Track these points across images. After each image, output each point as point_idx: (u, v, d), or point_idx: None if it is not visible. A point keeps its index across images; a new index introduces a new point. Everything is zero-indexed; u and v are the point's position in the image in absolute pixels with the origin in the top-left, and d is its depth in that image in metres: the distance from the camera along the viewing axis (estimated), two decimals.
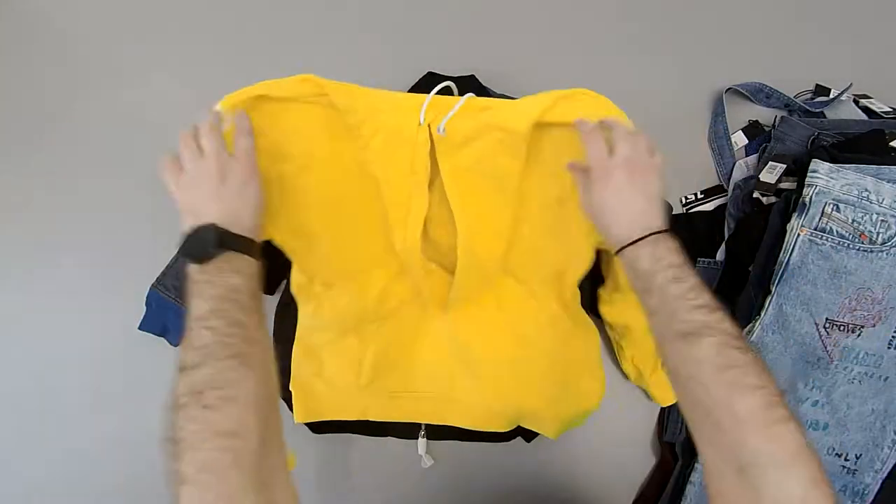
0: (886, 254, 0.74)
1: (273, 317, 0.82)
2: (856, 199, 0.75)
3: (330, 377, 0.77)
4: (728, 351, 0.44)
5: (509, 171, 0.65)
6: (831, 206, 0.75)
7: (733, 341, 0.44)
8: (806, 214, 0.75)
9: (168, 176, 0.55)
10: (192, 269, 0.47)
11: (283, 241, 0.69)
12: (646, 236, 0.50)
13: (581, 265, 0.72)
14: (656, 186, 0.54)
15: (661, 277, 0.49)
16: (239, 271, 0.48)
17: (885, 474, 0.76)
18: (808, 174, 0.76)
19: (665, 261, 0.49)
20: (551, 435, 0.78)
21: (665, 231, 0.51)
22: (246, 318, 0.46)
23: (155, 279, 0.84)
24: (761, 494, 0.38)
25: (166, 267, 0.84)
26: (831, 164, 0.76)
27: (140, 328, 0.83)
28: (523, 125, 0.61)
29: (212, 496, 0.40)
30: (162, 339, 0.84)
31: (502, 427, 0.78)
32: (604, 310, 0.81)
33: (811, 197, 0.75)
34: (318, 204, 0.68)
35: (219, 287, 0.46)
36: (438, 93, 0.64)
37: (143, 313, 0.83)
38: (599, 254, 0.74)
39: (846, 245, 0.75)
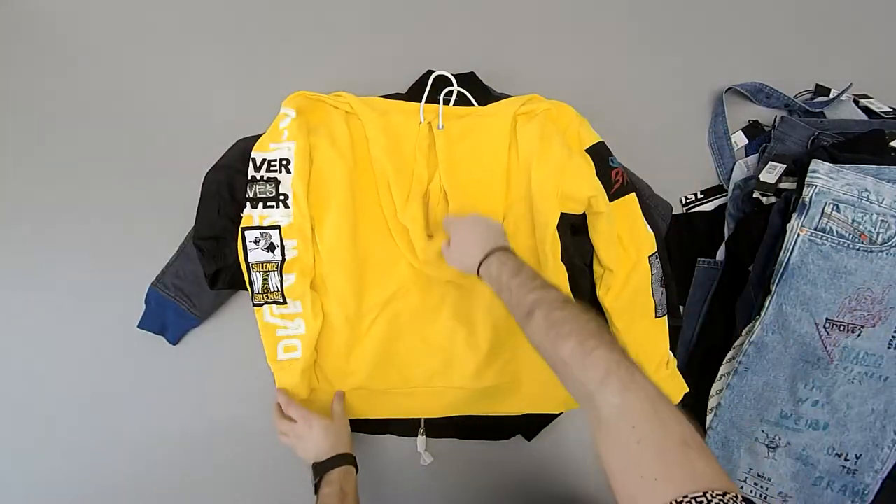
0: (886, 254, 0.74)
1: None
2: (856, 199, 0.75)
3: (329, 375, 0.77)
4: (551, 314, 0.54)
5: (497, 158, 0.80)
6: (831, 206, 0.75)
7: (556, 305, 0.55)
8: (806, 214, 0.75)
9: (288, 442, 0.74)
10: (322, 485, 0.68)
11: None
12: (486, 255, 0.66)
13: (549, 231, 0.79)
14: (492, 222, 0.72)
15: (505, 277, 0.62)
16: (346, 474, 0.69)
17: (885, 474, 0.76)
18: (808, 174, 0.76)
19: (506, 265, 0.63)
20: (553, 409, 0.79)
21: (498, 248, 0.66)
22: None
23: (154, 278, 0.84)
24: (600, 415, 0.46)
25: (166, 266, 0.84)
26: (831, 164, 0.76)
27: (139, 326, 0.83)
28: (509, 113, 0.81)
29: None
30: (161, 337, 0.84)
31: (505, 409, 0.78)
32: (600, 293, 0.81)
33: (811, 197, 0.75)
34: (338, 183, 0.78)
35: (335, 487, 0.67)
36: (437, 96, 0.82)
37: (143, 311, 0.83)
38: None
39: (846, 245, 0.75)
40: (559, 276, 0.78)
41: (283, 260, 0.76)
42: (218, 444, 0.83)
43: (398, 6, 0.89)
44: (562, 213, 0.79)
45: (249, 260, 0.75)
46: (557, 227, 0.78)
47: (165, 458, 0.84)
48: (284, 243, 0.76)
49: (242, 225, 0.76)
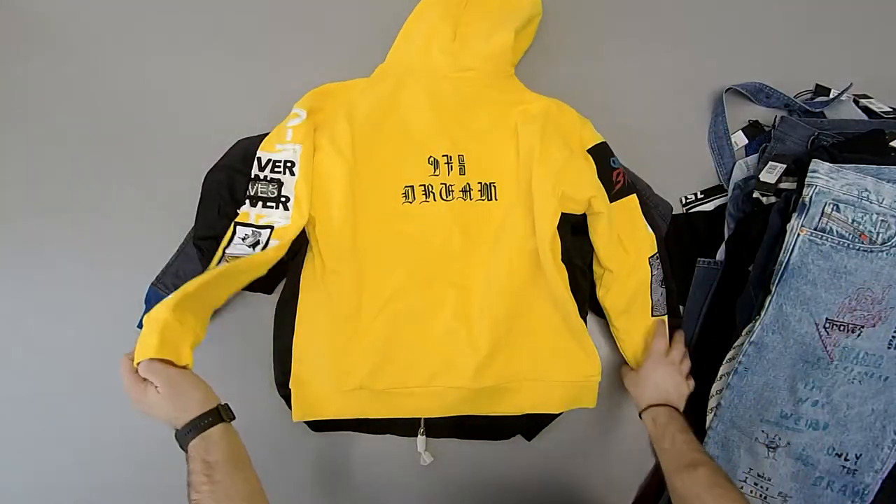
0: (886, 254, 0.74)
1: (273, 316, 0.82)
2: (856, 199, 0.75)
3: (328, 375, 0.77)
4: (717, 476, 0.64)
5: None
6: (831, 206, 0.75)
7: (720, 472, 0.65)
8: (806, 214, 0.75)
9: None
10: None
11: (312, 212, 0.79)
12: (664, 404, 0.75)
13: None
14: (683, 388, 0.77)
15: (672, 428, 0.71)
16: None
17: (885, 474, 0.76)
18: (808, 174, 0.76)
19: (675, 420, 0.72)
20: (553, 409, 0.79)
21: (673, 406, 0.75)
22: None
23: (154, 277, 0.84)
24: None
25: (165, 265, 0.84)
26: (831, 164, 0.76)
27: (139, 326, 0.83)
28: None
29: None
30: None
31: (505, 409, 0.78)
32: (599, 293, 0.82)
33: (811, 197, 0.75)
34: (338, 183, 0.79)
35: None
36: None
37: (143, 311, 0.83)
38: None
39: (846, 245, 0.75)
40: (559, 276, 0.78)
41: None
42: None
43: (398, 6, 0.89)
44: (562, 213, 0.79)
45: (228, 251, 0.76)
46: (558, 227, 0.78)
47: (165, 458, 0.83)
48: (270, 243, 0.76)
49: (237, 220, 0.77)
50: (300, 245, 0.79)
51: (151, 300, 0.83)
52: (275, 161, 0.78)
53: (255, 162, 0.78)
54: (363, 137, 0.82)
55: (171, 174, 0.89)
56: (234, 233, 0.76)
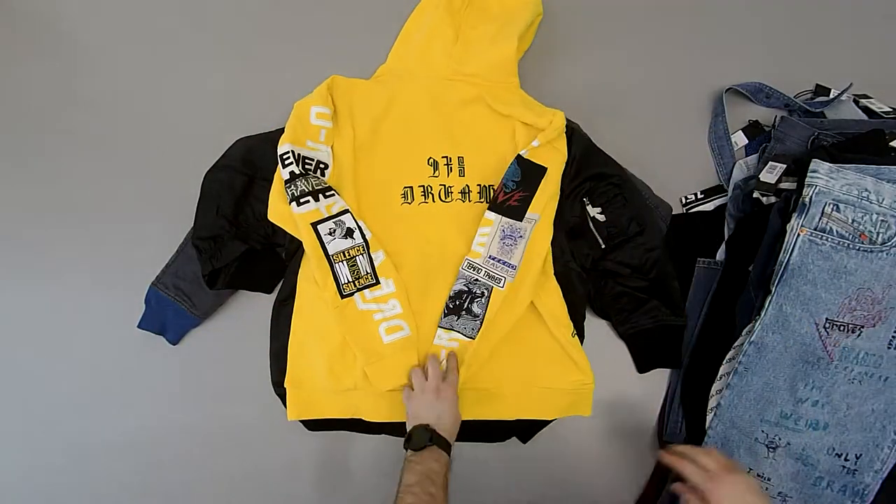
0: (886, 254, 0.74)
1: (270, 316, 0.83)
2: (856, 199, 0.75)
3: (323, 375, 0.77)
4: None
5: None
6: (831, 206, 0.75)
7: None
8: (806, 214, 0.75)
9: (405, 394, 0.74)
10: (410, 453, 0.67)
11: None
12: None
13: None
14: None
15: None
16: (437, 460, 0.66)
17: (885, 474, 0.76)
18: (808, 174, 0.76)
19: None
20: (545, 416, 0.79)
21: None
22: (437, 493, 0.63)
23: (154, 278, 0.84)
24: None
25: (165, 266, 0.85)
26: (831, 164, 0.76)
27: (139, 326, 0.83)
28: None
29: None
30: (160, 336, 0.84)
31: (494, 413, 0.79)
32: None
33: (811, 197, 0.75)
34: (346, 179, 0.81)
35: (423, 467, 0.65)
36: None
37: (143, 311, 0.83)
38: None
39: (846, 245, 0.75)
40: (553, 290, 0.80)
41: (367, 240, 0.76)
42: (218, 443, 0.83)
43: (398, 7, 0.89)
44: (557, 219, 0.80)
45: (330, 252, 0.75)
46: (555, 230, 0.79)
47: (165, 457, 0.84)
48: (360, 224, 0.77)
49: (310, 221, 0.75)
50: (298, 245, 0.79)
51: (151, 300, 0.83)
52: (306, 158, 0.78)
53: (290, 155, 0.76)
54: (364, 138, 0.82)
55: (171, 174, 0.89)
56: (317, 234, 0.75)
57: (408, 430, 0.70)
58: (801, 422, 0.77)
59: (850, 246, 0.75)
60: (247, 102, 0.92)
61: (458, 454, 0.82)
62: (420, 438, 0.67)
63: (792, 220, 0.76)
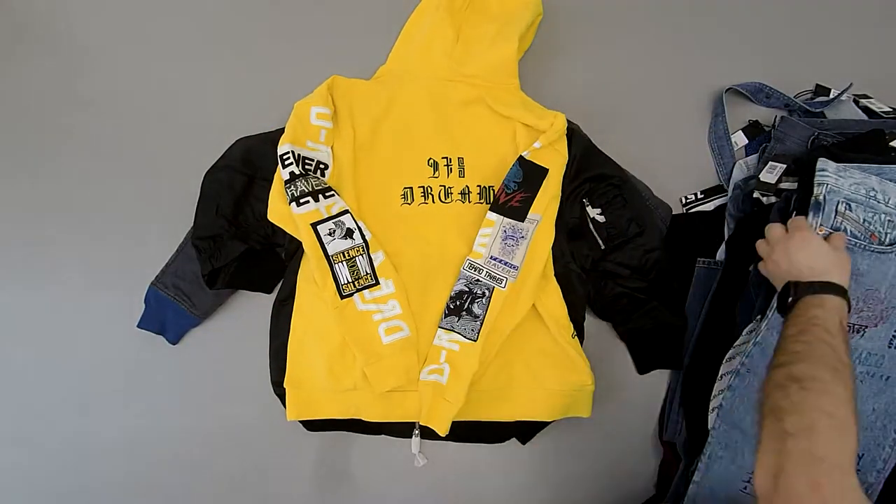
0: (894, 254, 0.73)
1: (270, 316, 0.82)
2: (864, 199, 0.73)
3: (323, 375, 0.77)
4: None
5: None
6: (844, 204, 0.73)
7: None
8: (822, 213, 0.72)
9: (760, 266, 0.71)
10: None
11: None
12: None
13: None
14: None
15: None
16: (819, 305, 0.60)
17: (887, 473, 0.75)
18: (818, 173, 0.73)
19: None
20: (546, 417, 0.79)
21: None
22: (832, 340, 0.56)
23: (154, 277, 0.84)
24: None
25: (165, 265, 0.85)
26: (837, 164, 0.75)
27: (139, 326, 0.83)
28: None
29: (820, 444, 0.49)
30: (160, 336, 0.84)
31: (498, 414, 0.78)
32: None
33: (824, 195, 0.73)
34: (345, 180, 0.81)
35: (803, 317, 0.59)
36: None
37: (142, 311, 0.83)
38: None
39: (861, 246, 0.72)
40: (553, 291, 0.79)
41: (367, 241, 0.76)
42: (218, 443, 0.83)
43: (398, 7, 0.89)
44: (558, 220, 0.80)
45: (330, 252, 0.75)
46: (556, 232, 0.80)
47: (165, 457, 0.83)
48: (359, 225, 0.77)
49: (310, 221, 0.75)
50: (298, 245, 0.79)
51: (151, 300, 0.83)
52: (306, 158, 0.78)
53: (290, 155, 0.76)
54: (364, 138, 0.82)
55: (171, 174, 0.89)
56: (317, 234, 0.75)
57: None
58: None
59: (865, 247, 0.72)
60: (247, 102, 0.92)
61: (458, 454, 0.82)
62: (782, 297, 0.63)
63: (809, 219, 0.73)
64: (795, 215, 0.75)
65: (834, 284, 0.62)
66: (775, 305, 0.69)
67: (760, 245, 0.72)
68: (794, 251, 0.65)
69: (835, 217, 0.72)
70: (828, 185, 0.73)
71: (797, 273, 0.64)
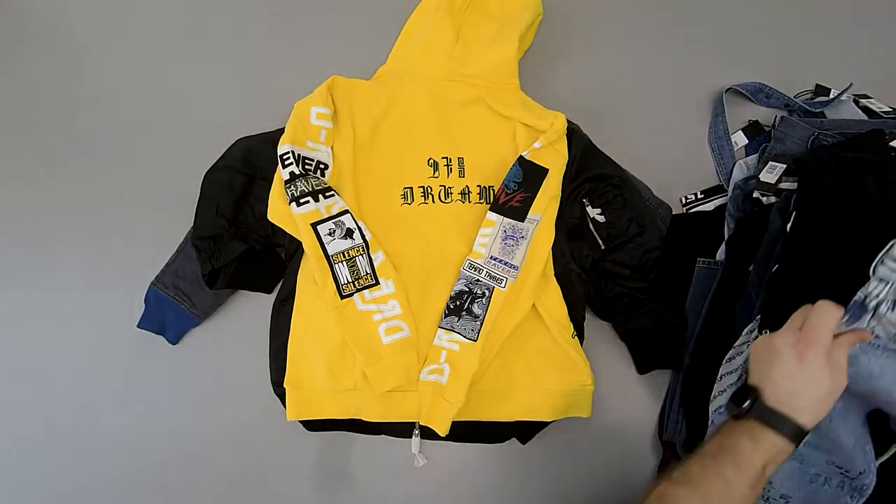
0: None
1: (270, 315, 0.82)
2: None
3: (323, 375, 0.77)
4: None
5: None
6: (888, 305, 0.65)
7: None
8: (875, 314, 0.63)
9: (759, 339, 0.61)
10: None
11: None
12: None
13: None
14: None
15: None
16: (754, 439, 0.55)
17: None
18: (887, 261, 0.63)
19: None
20: (546, 417, 0.79)
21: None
22: (736, 478, 0.53)
23: (154, 277, 0.84)
24: None
25: (165, 265, 0.85)
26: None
27: (139, 326, 0.83)
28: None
29: None
30: (160, 336, 0.84)
31: (498, 414, 0.78)
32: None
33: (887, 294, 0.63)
34: (345, 180, 0.81)
35: (730, 440, 0.56)
36: None
37: (142, 311, 0.83)
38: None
39: (879, 346, 0.71)
40: (553, 291, 0.79)
41: (367, 240, 0.76)
42: (218, 443, 0.83)
43: (398, 7, 0.89)
44: (558, 220, 0.80)
45: (330, 252, 0.75)
46: (556, 232, 0.80)
47: (165, 457, 0.84)
48: (360, 225, 0.77)
49: (310, 221, 0.75)
50: (298, 245, 0.79)
51: (151, 300, 0.83)
52: (306, 158, 0.78)
53: (290, 155, 0.76)
54: (364, 138, 0.82)
55: (171, 174, 0.89)
56: (317, 234, 0.75)
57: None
58: None
59: (885, 347, 0.63)
60: (247, 102, 0.92)
61: (458, 454, 0.82)
62: (740, 396, 0.56)
63: (865, 321, 0.61)
64: (795, 214, 0.75)
65: (795, 425, 0.55)
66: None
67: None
68: (794, 367, 0.56)
69: (870, 320, 0.62)
70: (893, 283, 0.60)
71: (773, 386, 0.56)
